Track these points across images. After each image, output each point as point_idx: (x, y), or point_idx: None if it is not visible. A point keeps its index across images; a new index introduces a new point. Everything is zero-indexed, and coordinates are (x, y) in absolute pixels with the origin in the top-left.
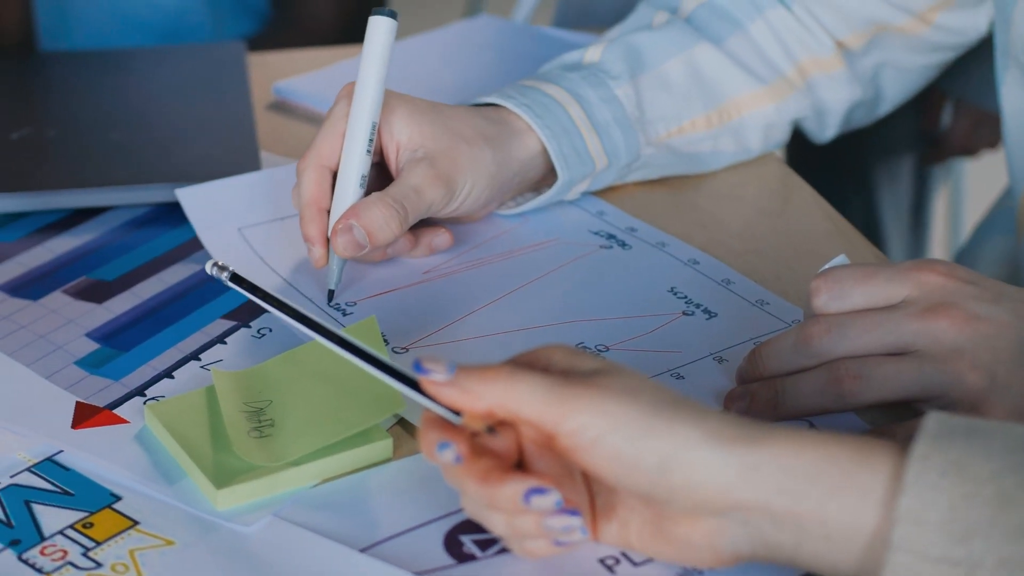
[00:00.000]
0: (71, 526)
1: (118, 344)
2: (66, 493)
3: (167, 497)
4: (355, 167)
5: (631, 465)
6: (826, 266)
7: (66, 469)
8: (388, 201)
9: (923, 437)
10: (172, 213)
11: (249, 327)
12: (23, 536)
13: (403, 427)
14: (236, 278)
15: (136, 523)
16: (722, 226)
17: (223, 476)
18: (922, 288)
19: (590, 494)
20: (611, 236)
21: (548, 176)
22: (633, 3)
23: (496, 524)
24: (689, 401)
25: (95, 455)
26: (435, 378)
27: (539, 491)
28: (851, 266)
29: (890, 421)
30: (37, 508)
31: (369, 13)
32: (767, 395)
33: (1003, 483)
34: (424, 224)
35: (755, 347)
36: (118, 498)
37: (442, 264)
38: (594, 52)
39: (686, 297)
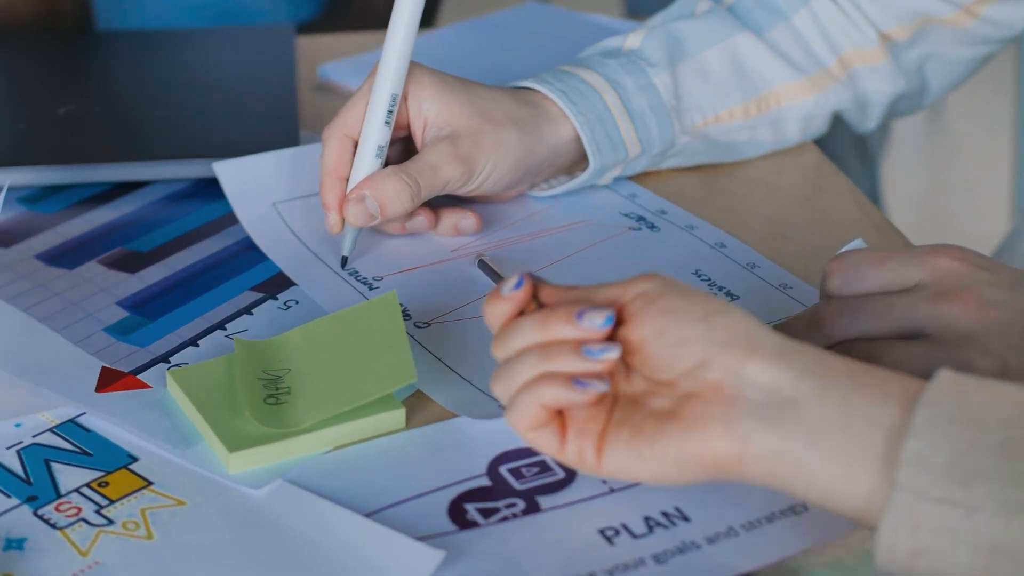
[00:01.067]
0: (87, 484)
1: (147, 312)
2: (85, 453)
3: (182, 459)
4: (373, 137)
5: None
6: (842, 249)
7: (87, 431)
8: (402, 175)
9: (935, 384)
10: (209, 188)
11: (276, 299)
12: (40, 493)
13: (417, 398)
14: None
15: (150, 483)
16: (752, 211)
17: (237, 440)
18: (936, 273)
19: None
20: (641, 218)
21: (581, 161)
22: None
23: (525, 362)
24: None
25: (116, 417)
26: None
27: (593, 309)
28: (866, 250)
29: None
30: (56, 467)
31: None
32: None
33: (1010, 432)
34: (451, 205)
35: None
36: (135, 459)
37: (471, 243)
38: (634, 39)
39: (710, 279)
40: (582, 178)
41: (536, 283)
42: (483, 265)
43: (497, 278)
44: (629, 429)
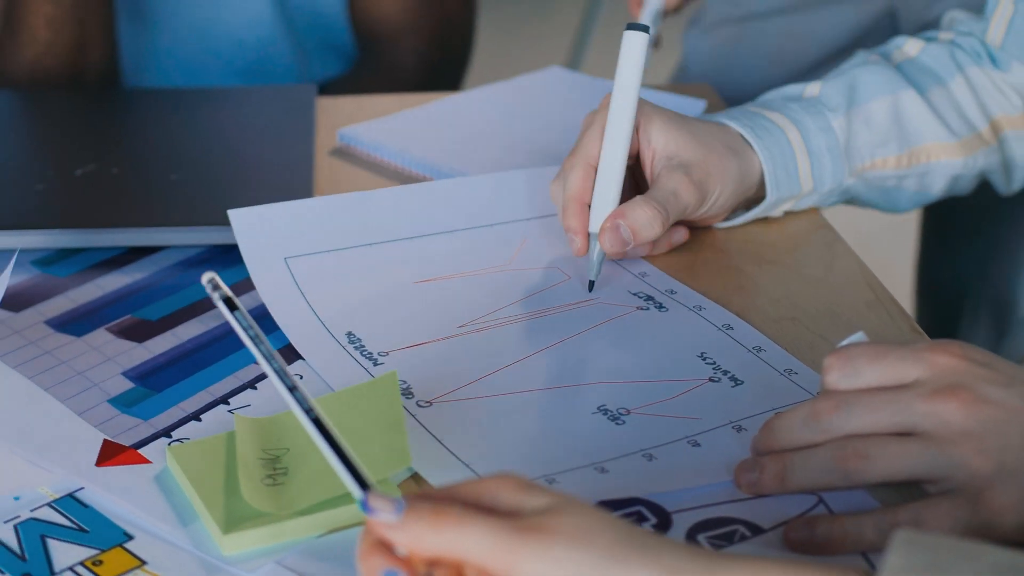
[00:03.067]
0: (81, 563)
1: (152, 384)
2: (81, 530)
3: (178, 539)
4: (619, 168)
5: None
6: (843, 343)
7: (85, 506)
8: (653, 203)
9: (886, 574)
10: (223, 255)
11: None
12: (34, 570)
13: (415, 481)
14: (230, 303)
15: (144, 563)
16: (761, 291)
17: (232, 521)
18: (934, 369)
19: None
20: (649, 298)
21: (759, 192)
22: (746, 69)
23: None
24: (645, 535)
25: (114, 493)
26: (383, 518)
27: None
28: (865, 344)
29: (899, 497)
30: (51, 543)
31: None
32: (776, 468)
33: None
34: None
35: (769, 419)
36: (130, 537)
37: (478, 319)
38: (813, 88)
39: (715, 363)
40: (758, 210)
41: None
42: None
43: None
44: None
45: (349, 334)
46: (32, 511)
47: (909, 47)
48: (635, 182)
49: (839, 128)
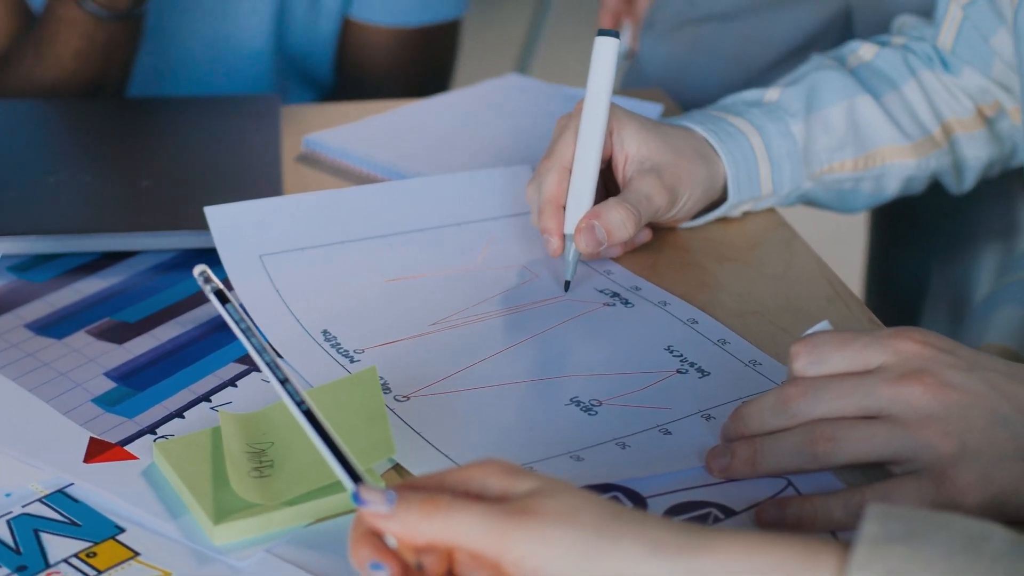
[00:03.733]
0: (75, 555)
1: (134, 384)
2: (73, 523)
3: (168, 531)
4: (592, 171)
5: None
6: (809, 331)
7: (75, 501)
8: (626, 205)
9: (862, 543)
10: (196, 259)
11: (260, 371)
12: (29, 563)
13: (397, 472)
14: (221, 296)
15: (137, 554)
16: (724, 287)
17: (222, 512)
18: (898, 355)
19: None
20: (615, 294)
21: (722, 195)
22: (704, 72)
23: None
24: (630, 512)
25: (103, 488)
26: (375, 510)
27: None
28: (831, 332)
29: (864, 479)
30: (45, 537)
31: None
32: (746, 453)
33: None
34: None
35: (738, 406)
36: (122, 530)
37: (450, 316)
38: (772, 93)
39: (682, 355)
40: (718, 211)
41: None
42: (220, 296)
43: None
44: None
45: (325, 332)
46: (24, 507)
47: (864, 51)
48: (605, 186)
49: (798, 133)
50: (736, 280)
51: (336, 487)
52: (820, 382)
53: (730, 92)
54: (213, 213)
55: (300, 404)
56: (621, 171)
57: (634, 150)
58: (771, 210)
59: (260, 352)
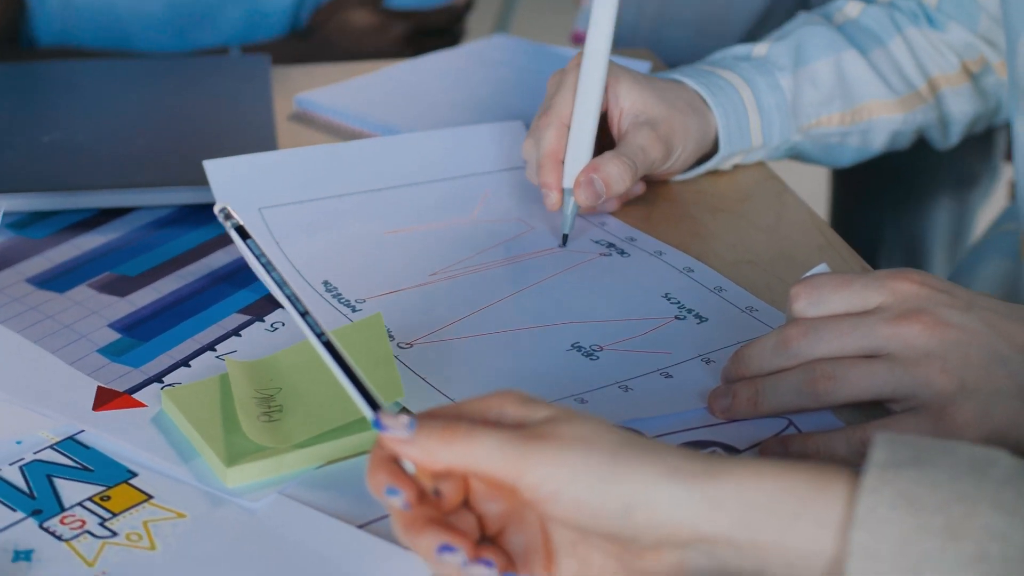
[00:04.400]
0: (89, 498)
1: (139, 334)
2: (86, 469)
3: (180, 475)
4: (591, 126)
5: (595, 511)
6: (807, 274)
7: (86, 447)
8: (623, 158)
9: (872, 468)
10: (194, 214)
11: (263, 321)
12: (44, 507)
13: (405, 414)
14: (241, 231)
15: (150, 497)
16: (718, 238)
17: (233, 456)
18: (896, 295)
19: (544, 533)
20: (611, 244)
21: (714, 148)
22: (664, 31)
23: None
24: (645, 440)
25: (114, 434)
26: (395, 435)
27: (449, 549)
28: (829, 274)
29: (863, 419)
30: (58, 482)
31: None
32: (748, 393)
33: (951, 513)
34: None
35: (739, 348)
36: (134, 474)
37: (449, 267)
38: (761, 48)
39: (679, 303)
40: (710, 163)
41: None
42: (241, 232)
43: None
44: (577, 562)
45: (325, 283)
46: (36, 453)
47: (850, 8)
48: (600, 140)
49: (787, 87)
50: (729, 231)
51: (346, 429)
52: (820, 322)
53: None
54: (212, 166)
55: (320, 336)
56: (616, 125)
57: (629, 104)
58: (761, 163)
59: (281, 285)
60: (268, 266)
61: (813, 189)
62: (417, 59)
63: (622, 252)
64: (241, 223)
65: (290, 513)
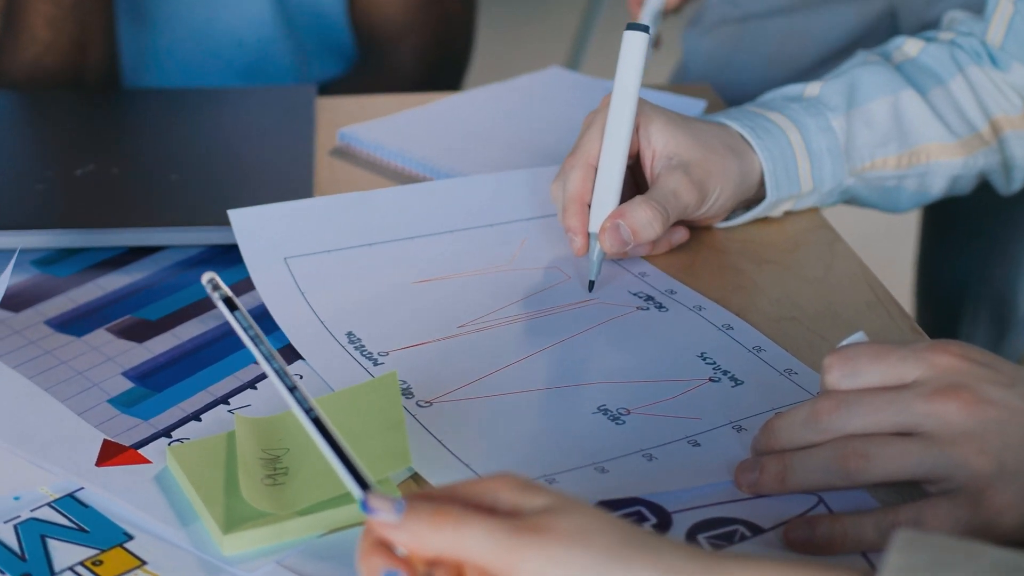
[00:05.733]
0: (81, 563)
1: (152, 384)
2: (81, 530)
3: (178, 539)
4: (619, 168)
5: None
6: (843, 343)
7: (85, 506)
8: (653, 203)
9: (887, 574)
10: (223, 255)
11: None
12: (34, 570)
13: (415, 481)
14: (229, 303)
15: (144, 563)
16: (762, 291)
17: (232, 521)
18: (935, 369)
19: None
20: (649, 298)
21: (759, 192)
22: (745, 70)
23: None
24: (644, 535)
25: (113, 493)
26: (383, 518)
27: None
28: (865, 344)
29: (899, 497)
30: (51, 543)
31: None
32: (776, 468)
33: None
34: None
35: (769, 419)
36: (130, 537)
37: (479, 319)
38: (814, 88)
39: (715, 363)
40: (758, 209)
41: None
42: (229, 304)
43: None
44: None
45: (349, 334)
46: (32, 511)
47: (909, 47)
48: (635, 182)
49: (839, 128)
50: (774, 284)
51: (350, 497)
52: (853, 396)
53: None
54: (237, 216)
55: (309, 412)
56: (649, 167)
57: (661, 145)
58: (813, 210)
59: (268, 359)
60: (256, 339)
61: (902, 233)
62: (468, 92)
63: (660, 306)
64: (230, 294)
65: None
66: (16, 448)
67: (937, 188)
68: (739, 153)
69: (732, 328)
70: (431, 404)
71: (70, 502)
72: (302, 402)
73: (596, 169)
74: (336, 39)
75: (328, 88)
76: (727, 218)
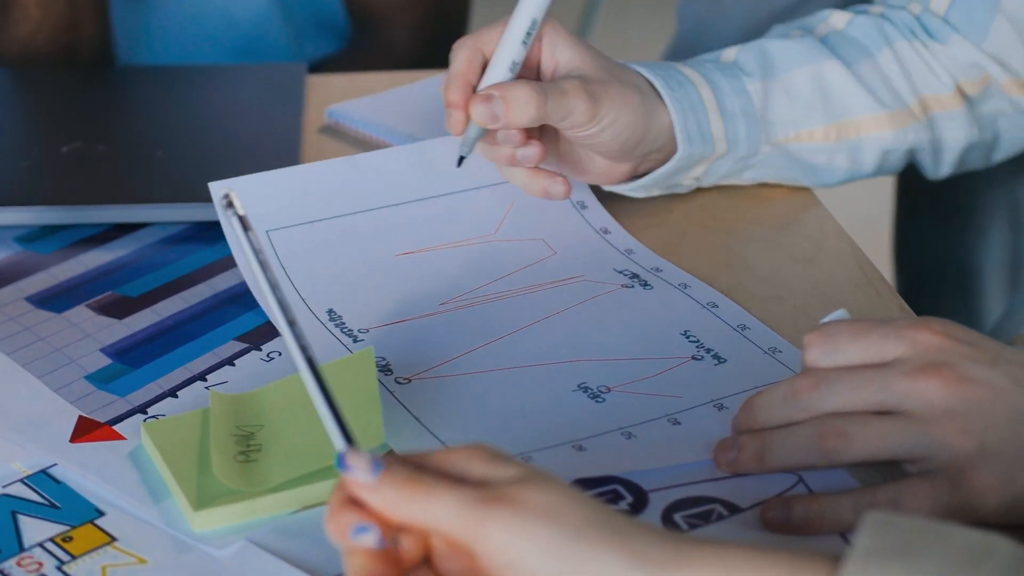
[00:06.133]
0: (51, 539)
1: (130, 361)
2: (53, 506)
3: (149, 516)
4: (508, 52)
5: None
6: (824, 320)
7: (57, 482)
8: (534, 85)
9: (854, 558)
10: (206, 232)
11: (260, 350)
12: (2, 547)
13: (370, 454)
14: (244, 223)
15: (114, 539)
16: (749, 270)
17: (204, 498)
18: (916, 347)
19: None
20: (635, 275)
21: (671, 154)
22: (715, 38)
23: None
24: (615, 516)
25: (86, 469)
26: (357, 478)
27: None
28: (846, 321)
29: (879, 476)
30: (22, 519)
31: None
32: (754, 447)
33: None
34: (547, 171)
35: (749, 398)
36: (101, 514)
37: (461, 295)
38: (730, 53)
39: (698, 341)
40: (669, 166)
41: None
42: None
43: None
44: None
45: (330, 311)
46: (4, 487)
47: (836, 19)
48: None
49: (755, 92)
50: (763, 262)
51: (322, 474)
52: (833, 374)
53: None
54: (217, 188)
55: (304, 350)
56: (550, 78)
57: (566, 60)
58: (804, 189)
59: (273, 289)
60: (264, 264)
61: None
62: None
63: (645, 284)
64: (243, 214)
65: (256, 562)
66: None
67: (869, 163)
68: (645, 95)
69: (717, 306)
70: (410, 381)
71: (43, 478)
72: (299, 338)
73: (485, 56)
74: (330, 17)
75: (322, 66)
76: (636, 179)
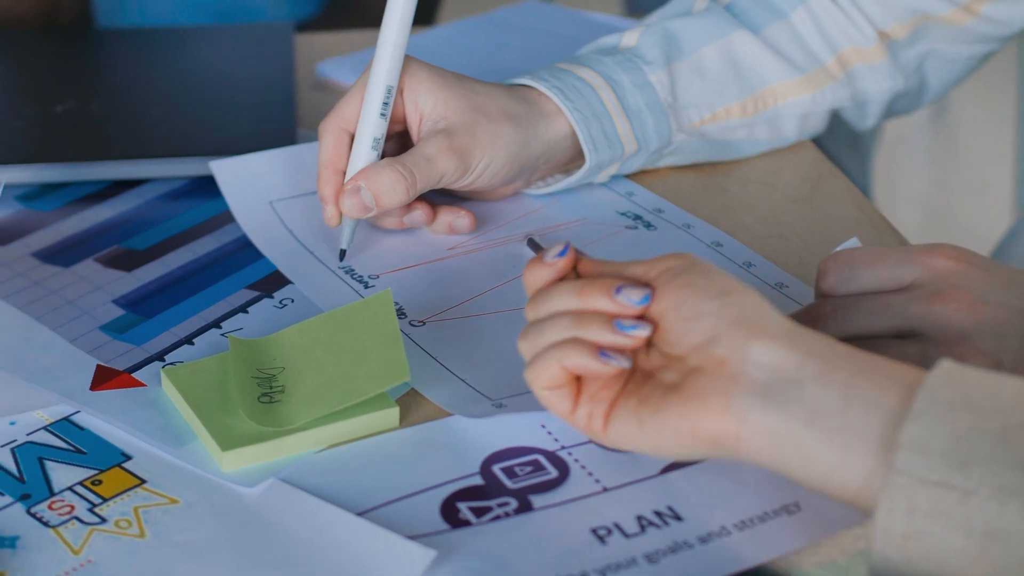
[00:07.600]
0: (80, 482)
1: (143, 311)
2: (79, 451)
3: (175, 458)
4: (368, 130)
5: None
6: (837, 248)
7: (81, 429)
8: (398, 167)
9: (937, 368)
10: (206, 187)
11: (272, 297)
12: (33, 491)
13: (411, 397)
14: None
15: (143, 481)
16: (749, 210)
17: (230, 439)
18: (931, 272)
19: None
20: (637, 217)
21: (577, 158)
22: None
23: (557, 325)
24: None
25: (109, 415)
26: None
27: (631, 286)
28: (860, 248)
29: None
30: (49, 465)
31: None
32: None
33: (1009, 419)
34: (447, 203)
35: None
36: (128, 457)
37: (468, 241)
38: (630, 37)
39: None
40: (577, 175)
41: (577, 255)
42: (532, 244)
43: None
44: (636, 400)
45: (341, 252)
46: (28, 435)
47: None
48: (406, 150)
49: (658, 82)
50: (761, 203)
51: (349, 412)
52: (850, 300)
53: None
54: (219, 167)
55: None
56: (416, 132)
57: (430, 108)
58: None
59: None
60: None
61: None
62: (445, 25)
63: (648, 225)
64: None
65: (287, 500)
66: (9, 375)
67: (790, 130)
68: (523, 118)
69: (721, 245)
70: (424, 323)
71: (66, 425)
72: None
73: (350, 134)
74: None
75: (301, 28)
76: (540, 185)
